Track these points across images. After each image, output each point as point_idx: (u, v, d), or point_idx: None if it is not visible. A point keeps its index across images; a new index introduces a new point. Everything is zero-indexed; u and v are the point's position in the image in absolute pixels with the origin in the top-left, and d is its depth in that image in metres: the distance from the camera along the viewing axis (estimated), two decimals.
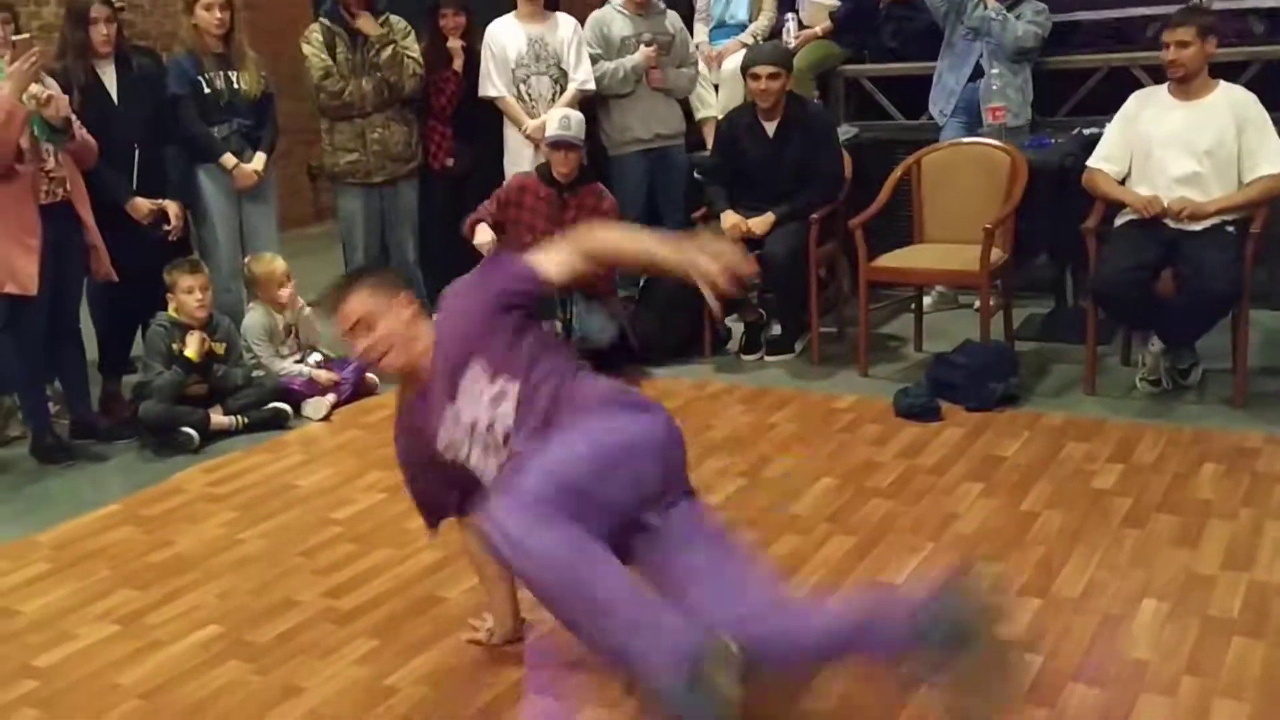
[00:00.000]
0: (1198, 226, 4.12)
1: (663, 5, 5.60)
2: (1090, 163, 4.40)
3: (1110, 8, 5.67)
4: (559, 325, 4.94)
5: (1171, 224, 4.15)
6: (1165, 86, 4.34)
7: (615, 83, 5.40)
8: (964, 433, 4.10)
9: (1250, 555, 3.11)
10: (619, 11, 5.48)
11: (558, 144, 4.78)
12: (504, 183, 4.98)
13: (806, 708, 2.51)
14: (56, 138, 4.19)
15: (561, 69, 5.38)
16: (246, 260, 4.96)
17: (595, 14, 5.57)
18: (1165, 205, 4.14)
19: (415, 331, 2.63)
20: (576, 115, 4.91)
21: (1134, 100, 4.41)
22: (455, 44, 5.40)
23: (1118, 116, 4.41)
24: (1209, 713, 2.45)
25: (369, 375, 5.03)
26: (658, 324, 5.17)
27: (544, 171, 4.89)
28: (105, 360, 4.94)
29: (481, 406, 2.53)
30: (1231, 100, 4.20)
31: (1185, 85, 4.23)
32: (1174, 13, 4.39)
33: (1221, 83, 4.26)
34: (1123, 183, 4.32)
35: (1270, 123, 4.18)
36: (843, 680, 2.57)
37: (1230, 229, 4.13)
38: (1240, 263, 4.06)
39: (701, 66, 5.77)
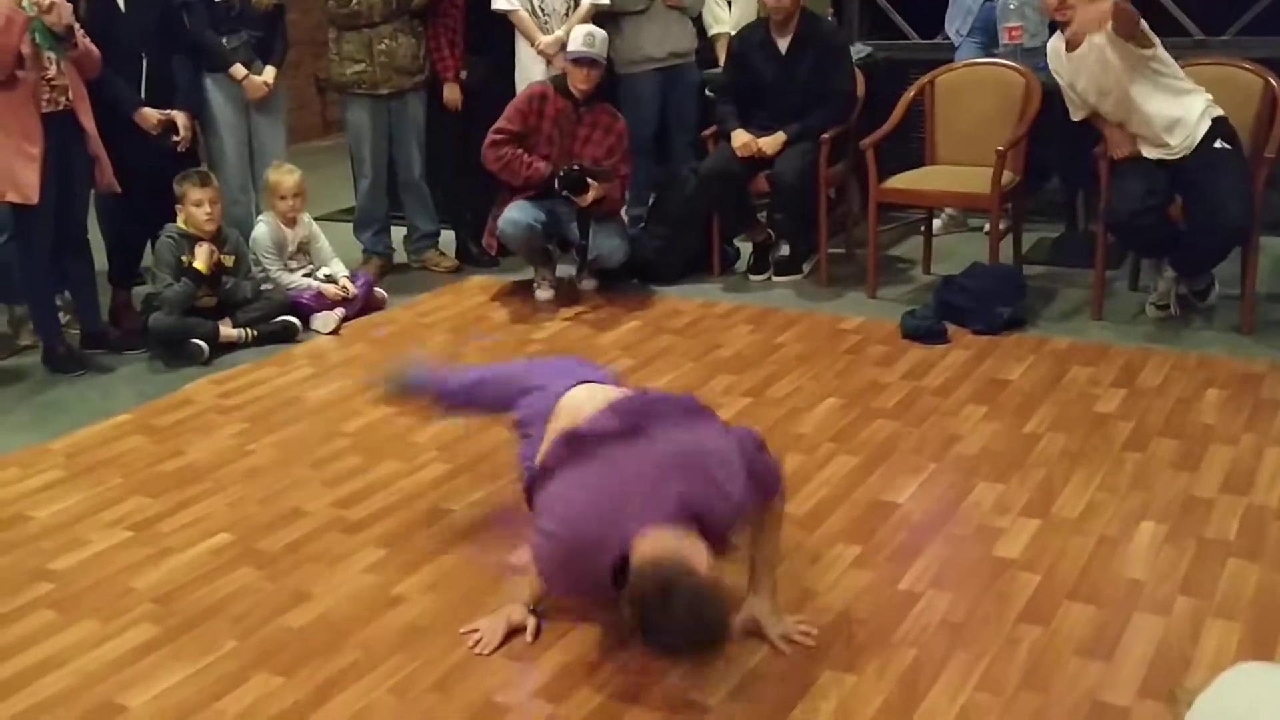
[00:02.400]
0: (1189, 149, 4.06)
1: None
2: (1071, 114, 4.37)
3: None
4: (576, 239, 4.92)
5: (1169, 156, 4.10)
6: (1060, 35, 4.25)
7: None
8: (969, 355, 4.11)
9: (1249, 479, 3.14)
10: None
11: (581, 60, 4.72)
12: (520, 93, 4.92)
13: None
14: (59, 46, 4.15)
15: None
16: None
17: None
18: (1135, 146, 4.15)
19: None
20: (600, 33, 4.85)
21: (1050, 53, 4.34)
22: None
23: (1050, 68, 4.38)
24: (1201, 632, 2.49)
25: (377, 290, 5.05)
26: (667, 242, 5.16)
27: (560, 83, 4.84)
28: (115, 271, 4.95)
29: None
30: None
31: (1074, 34, 4.12)
32: None
33: None
34: None
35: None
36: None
37: (1219, 144, 4.04)
38: (1248, 192, 4.02)
39: None
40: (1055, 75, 4.37)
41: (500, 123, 4.81)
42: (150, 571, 2.97)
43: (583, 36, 4.75)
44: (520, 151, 4.79)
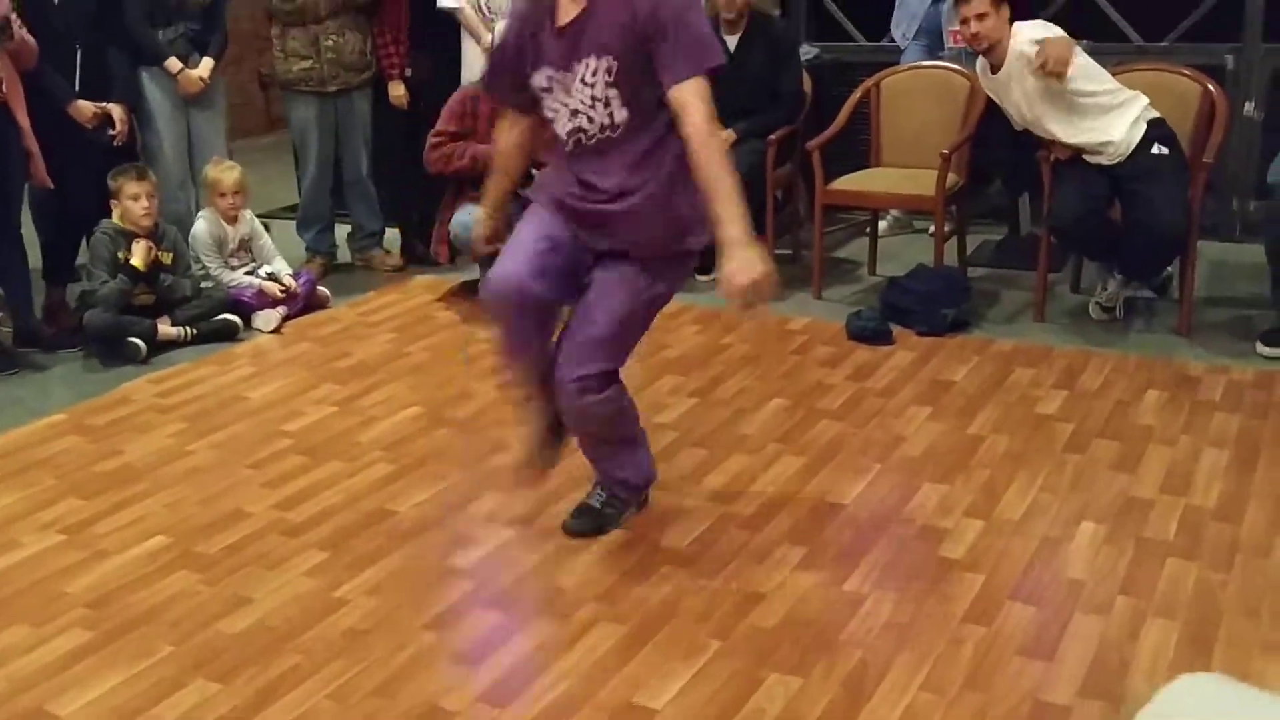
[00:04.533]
0: (1126, 153, 4.10)
1: None
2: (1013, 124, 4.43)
3: None
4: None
5: (1106, 161, 4.15)
6: (980, 62, 4.30)
7: None
8: (914, 357, 4.14)
9: (1187, 480, 3.18)
10: None
11: None
12: (452, 96, 4.87)
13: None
14: None
15: None
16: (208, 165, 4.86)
17: None
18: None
19: None
20: None
21: (983, 82, 4.39)
22: None
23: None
24: (1141, 631, 2.52)
25: (320, 289, 4.98)
26: None
27: None
28: (50, 268, 4.84)
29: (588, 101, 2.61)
30: (1015, 55, 4.11)
31: (992, 55, 4.18)
32: None
33: (1011, 39, 4.12)
34: None
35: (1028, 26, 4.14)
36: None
37: (1157, 149, 4.09)
38: (1184, 199, 4.08)
39: None
40: (987, 91, 4.42)
41: (437, 126, 4.77)
42: (84, 575, 2.90)
43: None
44: (459, 143, 4.75)
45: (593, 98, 2.60)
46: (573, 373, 2.72)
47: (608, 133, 2.63)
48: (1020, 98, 4.19)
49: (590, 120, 2.63)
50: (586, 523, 3.01)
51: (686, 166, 2.57)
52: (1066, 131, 4.16)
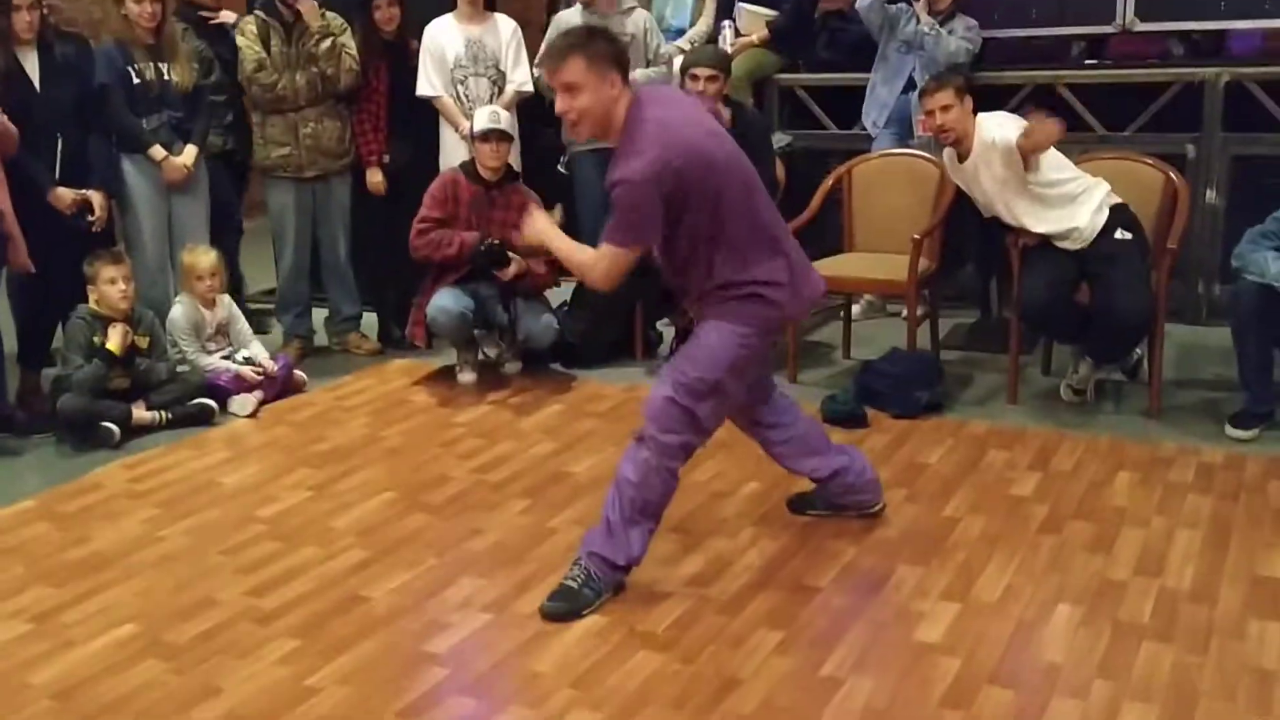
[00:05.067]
0: (1093, 236, 4.18)
1: (628, 4, 5.53)
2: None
3: (1037, 27, 5.79)
4: (503, 321, 4.93)
5: (1072, 246, 4.22)
6: (948, 151, 4.41)
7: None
8: (889, 439, 4.16)
9: (1161, 562, 3.20)
10: (579, 12, 5.42)
11: (489, 134, 4.76)
12: (434, 182, 4.93)
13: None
14: None
15: (500, 70, 5.36)
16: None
17: (560, 14, 5.54)
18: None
19: (613, 114, 2.94)
20: (505, 112, 4.93)
21: (949, 169, 4.50)
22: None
23: None
24: (1119, 716, 2.52)
25: (297, 373, 4.98)
26: (590, 326, 5.18)
27: (468, 169, 4.87)
28: (24, 352, 4.82)
29: None
30: (982, 146, 4.22)
31: (960, 147, 4.30)
32: (925, 82, 4.42)
33: (975, 132, 4.24)
34: None
35: (1006, 121, 4.23)
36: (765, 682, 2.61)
37: (1120, 234, 4.17)
38: (1148, 285, 4.15)
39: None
40: (955, 180, 4.52)
41: (422, 212, 4.81)
42: (50, 665, 2.85)
43: (488, 114, 4.80)
44: (446, 231, 4.80)
45: None
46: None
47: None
48: (989, 186, 4.28)
49: None
50: (561, 605, 3.00)
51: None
52: (1033, 219, 4.25)
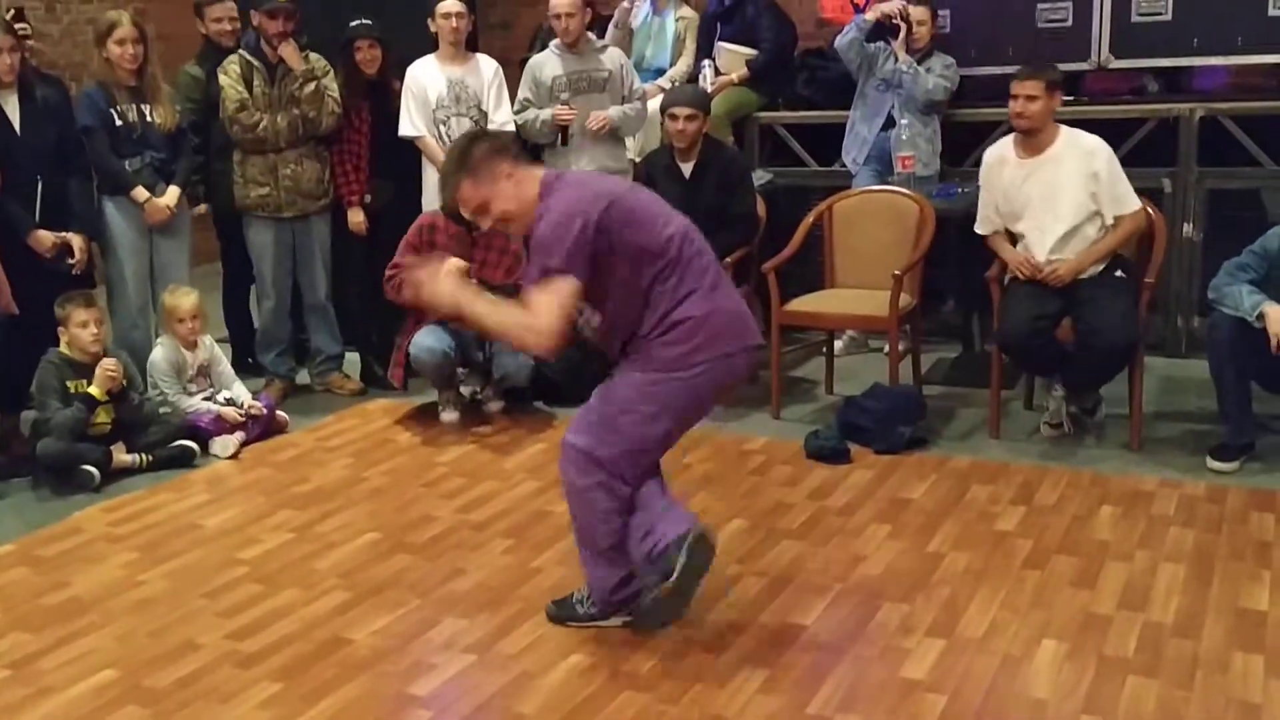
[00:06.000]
0: (1085, 275, 4.25)
1: (601, 43, 5.57)
2: (976, 228, 4.55)
3: (1014, 64, 5.84)
4: (478, 360, 4.93)
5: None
6: (1011, 143, 4.44)
7: (534, 131, 5.41)
8: (872, 475, 4.17)
9: (1145, 596, 3.20)
10: (553, 53, 5.47)
11: None
12: (411, 225, 4.91)
13: None
14: None
15: (482, 110, 5.39)
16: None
17: (534, 58, 5.57)
18: (1039, 266, 4.27)
19: (524, 195, 2.91)
20: None
21: (986, 165, 4.53)
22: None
23: (980, 180, 4.55)
24: None
25: (279, 413, 4.96)
26: (572, 365, 5.17)
27: (450, 210, 4.85)
28: (1, 396, 4.79)
29: None
30: (1078, 149, 4.29)
31: (1033, 140, 4.33)
32: (1021, 67, 4.48)
33: (1064, 130, 4.35)
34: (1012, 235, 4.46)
35: (1116, 166, 4.29)
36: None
37: (1119, 274, 4.26)
38: (1134, 313, 4.20)
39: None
40: (982, 187, 4.51)
41: (395, 259, 4.79)
42: (28, 713, 2.81)
43: None
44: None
45: None
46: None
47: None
48: (1036, 190, 4.28)
49: None
50: (555, 609, 3.19)
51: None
52: (1045, 240, 4.26)
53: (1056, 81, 4.31)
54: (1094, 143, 4.31)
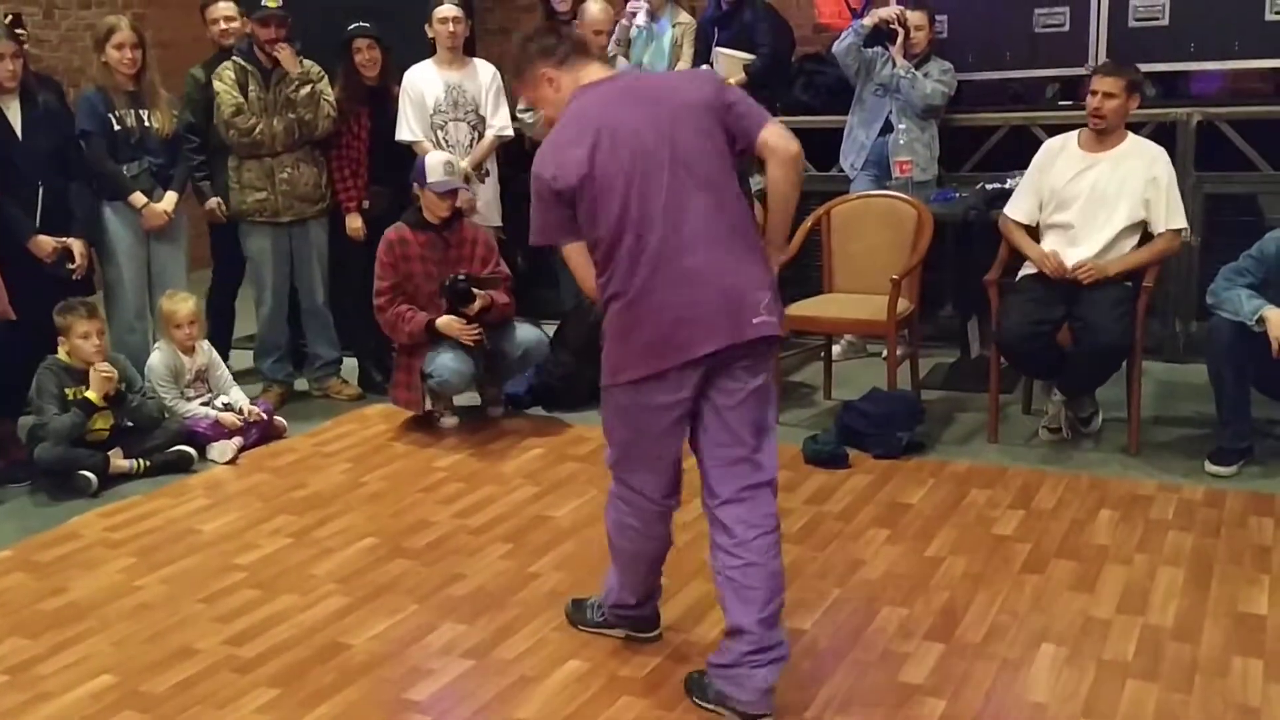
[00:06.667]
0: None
1: (614, 51, 5.58)
2: (1006, 210, 4.52)
3: (1011, 69, 5.87)
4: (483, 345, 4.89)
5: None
6: (1076, 137, 4.41)
7: (539, 131, 5.41)
8: (871, 480, 4.16)
9: (1144, 599, 3.20)
10: None
11: (447, 192, 4.76)
12: (379, 248, 4.83)
13: None
14: None
15: (480, 115, 5.39)
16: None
17: None
18: (1066, 265, 4.24)
19: (562, 103, 2.72)
20: (457, 159, 4.95)
21: (1045, 151, 4.50)
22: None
23: (1031, 166, 4.51)
24: None
25: (277, 419, 4.96)
26: (571, 370, 5.18)
27: (412, 219, 4.83)
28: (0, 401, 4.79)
29: None
30: (1142, 154, 4.30)
31: (1102, 137, 4.32)
32: (1105, 62, 4.43)
33: (1131, 135, 4.37)
34: (1034, 232, 4.44)
35: (1175, 180, 4.29)
36: None
37: (1126, 282, 4.28)
38: (1132, 316, 4.20)
39: None
40: (1032, 170, 4.46)
41: (377, 284, 4.77)
42: (25, 718, 2.81)
43: (442, 167, 4.76)
44: (401, 308, 4.75)
45: None
46: None
47: None
48: (1098, 182, 4.25)
49: None
50: (572, 608, 3.20)
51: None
52: (1095, 237, 4.24)
53: (1138, 83, 4.30)
54: (1158, 150, 4.31)
